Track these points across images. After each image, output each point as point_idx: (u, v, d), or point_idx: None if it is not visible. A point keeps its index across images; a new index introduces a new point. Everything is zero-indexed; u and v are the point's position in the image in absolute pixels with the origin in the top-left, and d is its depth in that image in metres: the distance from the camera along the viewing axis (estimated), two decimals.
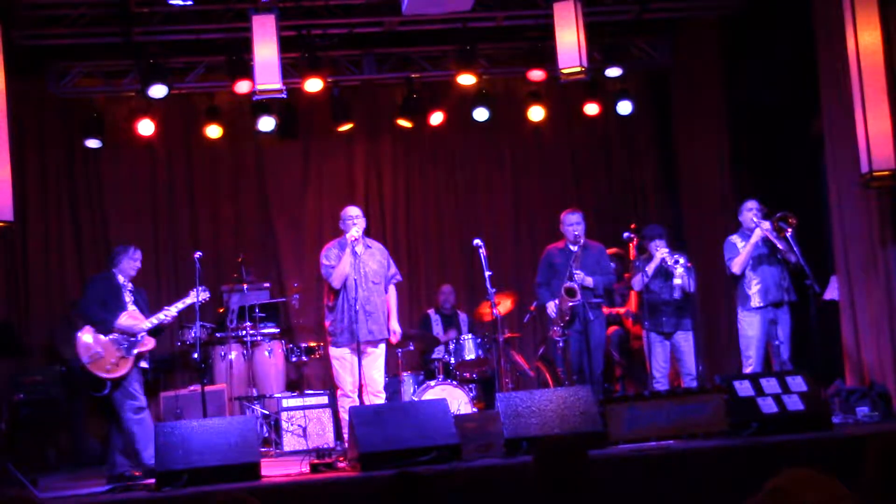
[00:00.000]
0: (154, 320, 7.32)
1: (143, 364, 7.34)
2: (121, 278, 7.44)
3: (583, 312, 7.97)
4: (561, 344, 8.10)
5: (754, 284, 7.94)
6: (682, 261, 8.19)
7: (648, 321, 8.23)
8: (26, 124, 9.93)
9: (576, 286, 7.98)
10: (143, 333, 7.24)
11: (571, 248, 8.27)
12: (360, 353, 7.40)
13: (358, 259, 7.62)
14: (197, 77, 10.08)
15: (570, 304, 8.05)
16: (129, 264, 7.46)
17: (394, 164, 11.21)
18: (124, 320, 7.24)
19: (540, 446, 3.36)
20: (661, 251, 8.18)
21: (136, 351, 7.22)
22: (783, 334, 7.89)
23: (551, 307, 8.20)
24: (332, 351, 7.70)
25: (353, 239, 7.57)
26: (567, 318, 8.07)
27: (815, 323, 7.62)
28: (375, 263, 7.76)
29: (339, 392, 7.73)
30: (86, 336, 7.19)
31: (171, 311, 7.43)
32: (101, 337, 7.17)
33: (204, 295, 7.54)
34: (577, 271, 8.03)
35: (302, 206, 11.01)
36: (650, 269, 8.17)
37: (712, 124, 10.25)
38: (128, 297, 7.40)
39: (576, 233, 8.21)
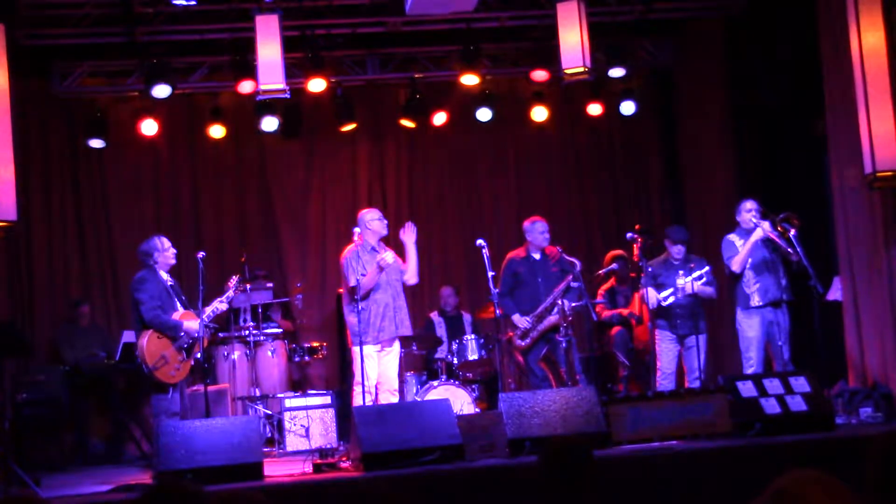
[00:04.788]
0: (209, 312, 7.50)
1: (197, 355, 7.51)
2: (163, 274, 7.55)
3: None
4: (564, 345, 8.10)
5: (753, 284, 7.95)
6: (704, 277, 8.13)
7: (662, 320, 8.23)
8: (30, 124, 9.94)
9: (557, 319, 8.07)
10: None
11: (534, 256, 8.31)
12: (382, 349, 7.72)
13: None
14: (200, 77, 10.11)
15: (575, 305, 8.09)
16: (166, 256, 7.57)
17: (397, 165, 11.21)
18: (186, 323, 7.39)
19: (546, 447, 3.35)
20: (681, 281, 8.07)
21: (196, 354, 7.39)
22: (783, 335, 7.89)
23: (522, 321, 8.19)
24: (359, 349, 7.68)
25: (381, 237, 7.91)
26: (570, 318, 8.09)
27: (818, 324, 7.62)
28: (393, 261, 7.93)
29: (356, 389, 7.71)
30: (150, 342, 7.30)
31: (223, 305, 7.69)
32: (165, 341, 7.32)
33: (240, 286, 7.99)
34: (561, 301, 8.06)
35: (305, 206, 11.02)
36: (680, 291, 8.07)
37: (715, 124, 10.26)
38: (172, 294, 7.56)
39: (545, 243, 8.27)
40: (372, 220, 7.95)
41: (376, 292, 7.77)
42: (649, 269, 8.22)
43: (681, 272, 8.16)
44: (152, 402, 7.44)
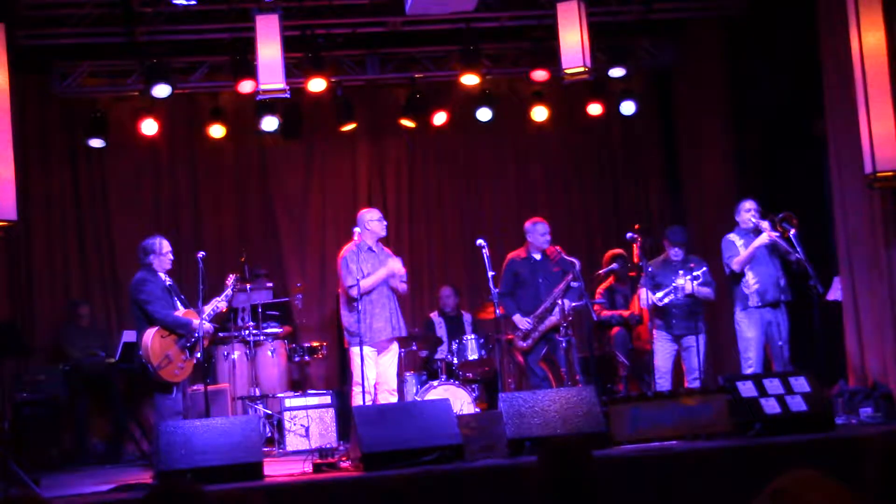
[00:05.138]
0: (209, 311, 7.49)
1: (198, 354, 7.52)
2: (162, 275, 7.57)
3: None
4: (564, 345, 8.10)
5: (752, 284, 7.95)
6: (700, 277, 8.11)
7: (658, 320, 8.22)
8: (30, 124, 9.94)
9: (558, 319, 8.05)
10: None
11: (535, 256, 8.32)
12: (379, 351, 7.79)
13: (378, 261, 7.88)
14: (200, 77, 10.11)
15: (575, 305, 8.10)
16: (162, 260, 7.58)
17: (397, 165, 11.21)
18: (195, 321, 7.41)
19: (546, 447, 3.35)
20: (680, 281, 8.06)
21: (198, 354, 7.39)
22: (782, 335, 7.89)
23: (523, 322, 8.19)
24: (356, 349, 7.68)
25: (379, 238, 7.99)
26: (570, 318, 8.09)
27: (818, 324, 7.62)
28: (399, 270, 7.98)
29: (356, 389, 7.72)
30: (154, 342, 7.31)
31: (223, 305, 7.68)
32: (168, 340, 7.33)
33: (239, 285, 8.00)
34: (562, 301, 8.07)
35: (305, 206, 11.01)
36: (679, 291, 8.06)
37: (715, 124, 10.26)
38: (172, 294, 7.56)
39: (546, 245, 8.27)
40: (371, 221, 7.97)
41: (371, 294, 7.80)
42: (649, 269, 8.21)
43: (680, 272, 8.15)
44: (156, 402, 7.44)
